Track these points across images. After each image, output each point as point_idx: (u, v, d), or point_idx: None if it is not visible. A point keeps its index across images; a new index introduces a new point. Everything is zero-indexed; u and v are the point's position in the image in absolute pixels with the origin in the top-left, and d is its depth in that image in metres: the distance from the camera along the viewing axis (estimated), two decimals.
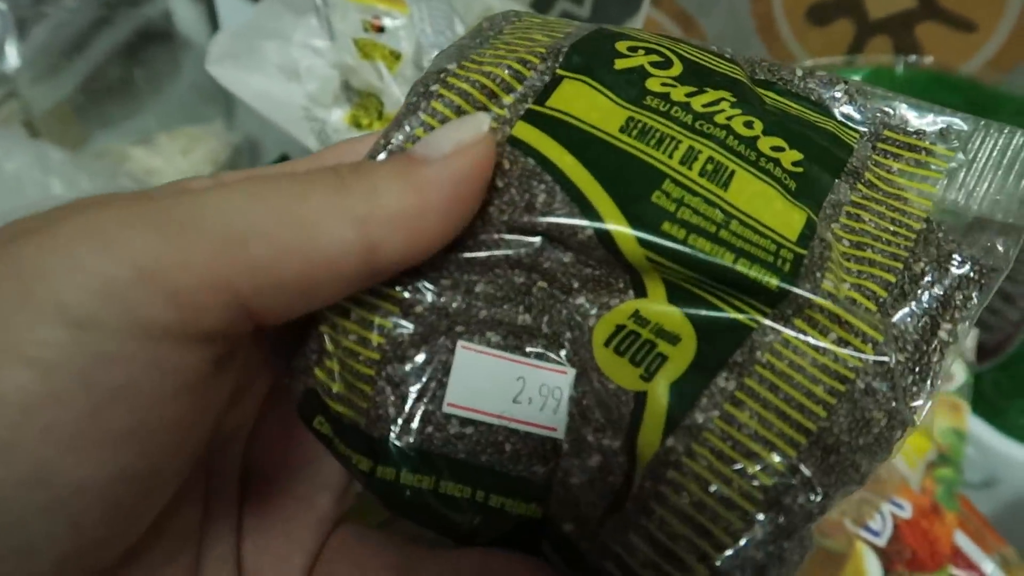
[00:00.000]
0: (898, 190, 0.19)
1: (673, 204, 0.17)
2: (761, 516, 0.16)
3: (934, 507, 0.42)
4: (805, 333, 0.17)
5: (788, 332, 0.17)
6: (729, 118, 0.18)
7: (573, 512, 0.18)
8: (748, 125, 0.18)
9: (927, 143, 0.19)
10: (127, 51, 0.56)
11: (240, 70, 0.45)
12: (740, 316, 0.17)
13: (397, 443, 0.17)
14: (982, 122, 0.19)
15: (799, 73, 0.20)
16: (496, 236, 0.17)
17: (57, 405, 0.12)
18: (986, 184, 0.18)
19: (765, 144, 0.18)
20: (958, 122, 0.19)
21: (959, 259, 0.18)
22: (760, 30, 0.50)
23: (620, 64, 0.19)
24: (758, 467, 0.16)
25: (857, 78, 0.50)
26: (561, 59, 0.19)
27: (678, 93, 0.18)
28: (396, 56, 0.44)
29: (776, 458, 0.16)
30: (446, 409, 0.18)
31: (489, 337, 0.18)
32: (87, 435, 0.13)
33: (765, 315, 0.17)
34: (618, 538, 0.17)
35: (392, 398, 0.17)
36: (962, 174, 0.18)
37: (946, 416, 0.44)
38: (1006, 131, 0.19)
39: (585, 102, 0.18)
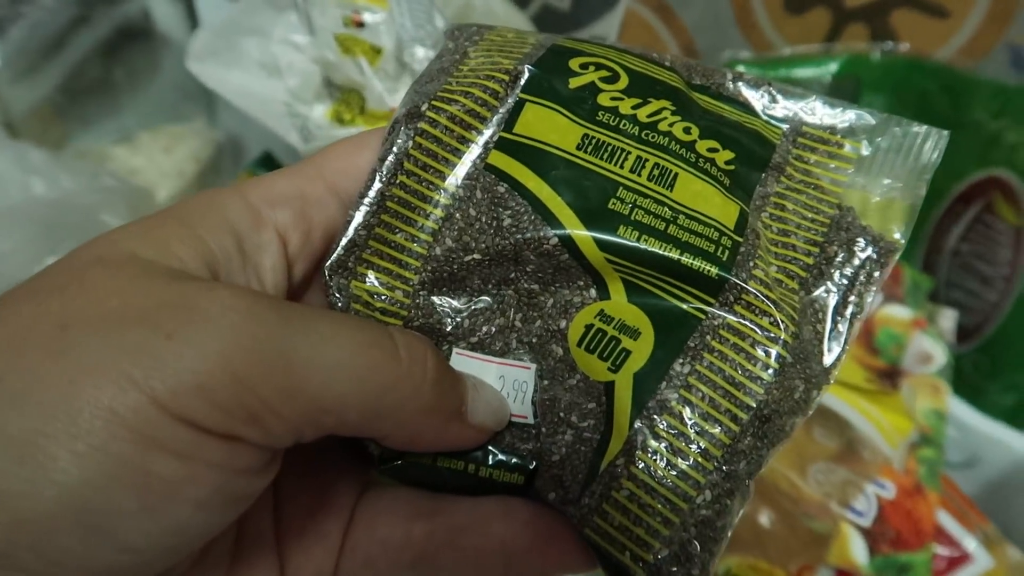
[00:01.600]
0: (815, 180, 0.21)
1: (627, 208, 0.19)
2: (711, 482, 0.19)
3: (917, 487, 0.42)
4: (744, 317, 0.19)
5: (730, 318, 0.19)
6: (671, 125, 0.20)
7: (556, 484, 0.20)
8: (687, 131, 0.20)
9: (838, 137, 0.21)
10: (106, 50, 0.56)
11: (221, 67, 0.45)
12: (689, 307, 0.19)
13: None
14: (885, 116, 0.21)
15: (730, 77, 0.22)
16: (471, 258, 0.20)
17: (194, 484, 0.15)
18: (887, 171, 0.21)
19: (702, 146, 0.20)
20: (867, 116, 0.21)
21: (863, 242, 0.20)
22: (739, 20, 0.50)
23: (574, 83, 0.21)
24: (709, 441, 0.19)
25: (834, 66, 0.51)
26: (522, 84, 0.21)
27: (625, 106, 0.20)
28: (377, 51, 0.44)
29: (723, 433, 0.19)
30: None
31: (473, 341, 0.20)
32: (210, 503, 0.15)
33: (711, 304, 0.19)
34: (595, 507, 0.19)
35: None
36: (868, 162, 0.21)
37: (927, 398, 0.45)
38: (905, 123, 0.21)
39: (546, 125, 0.20)
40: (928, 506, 0.42)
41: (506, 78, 0.21)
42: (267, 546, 0.19)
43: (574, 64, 0.21)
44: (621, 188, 0.19)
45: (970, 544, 0.41)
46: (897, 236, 0.20)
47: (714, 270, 0.19)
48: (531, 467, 0.20)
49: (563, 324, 0.20)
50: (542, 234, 0.19)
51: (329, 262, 0.20)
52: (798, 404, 0.19)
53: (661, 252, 0.19)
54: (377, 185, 0.20)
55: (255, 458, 0.15)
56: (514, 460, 0.20)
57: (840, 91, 0.46)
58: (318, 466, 0.21)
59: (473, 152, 0.20)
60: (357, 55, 0.44)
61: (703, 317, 0.19)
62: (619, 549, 0.19)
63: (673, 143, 0.20)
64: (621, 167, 0.20)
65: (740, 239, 0.19)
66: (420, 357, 0.17)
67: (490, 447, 0.20)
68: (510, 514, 0.20)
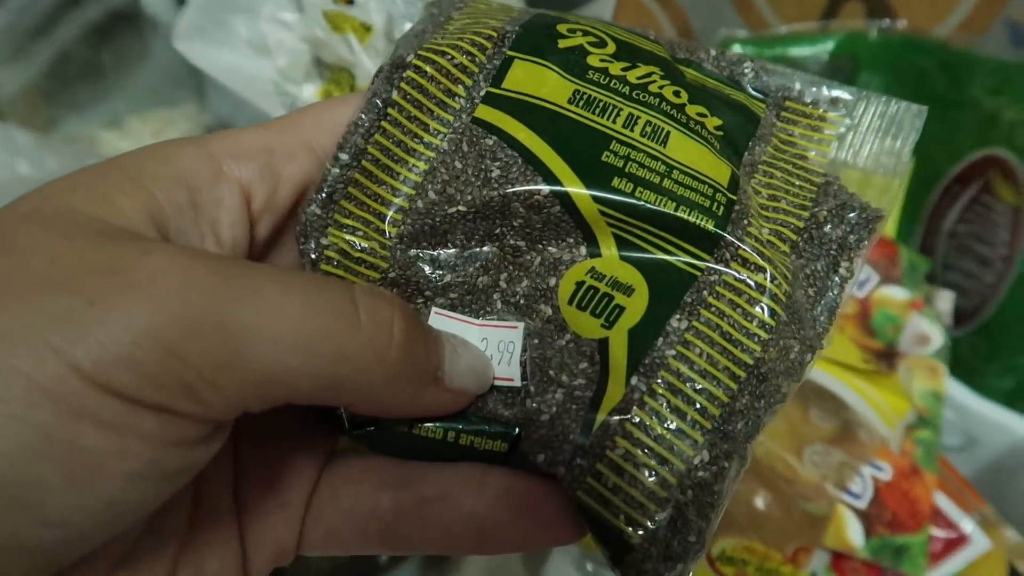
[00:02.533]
0: (800, 151, 0.21)
1: (621, 160, 0.19)
2: (709, 441, 0.18)
3: (914, 469, 0.42)
4: (740, 273, 0.19)
5: (727, 273, 0.19)
6: (660, 87, 0.20)
7: (545, 445, 0.19)
8: (676, 94, 0.20)
9: (820, 111, 0.22)
10: (95, 33, 0.55)
11: (208, 46, 0.44)
12: (684, 263, 0.19)
13: None
14: (864, 92, 0.22)
15: (713, 53, 0.23)
16: (456, 210, 0.19)
17: (126, 456, 0.14)
18: (868, 145, 0.21)
19: (692, 110, 0.20)
20: (845, 93, 0.22)
21: (852, 207, 0.20)
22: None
23: (563, 44, 0.20)
24: (707, 399, 0.18)
25: (831, 44, 0.50)
26: (510, 42, 0.20)
27: (615, 68, 0.20)
28: (367, 28, 0.43)
29: (720, 391, 0.18)
30: None
31: (453, 299, 0.20)
32: (144, 475, 0.14)
33: (707, 260, 0.19)
34: (589, 468, 0.18)
35: None
36: (849, 137, 0.21)
37: (924, 379, 0.44)
38: (883, 99, 0.21)
39: (536, 80, 0.20)
40: (925, 488, 0.41)
41: (494, 35, 0.20)
42: (226, 515, 0.18)
43: (562, 28, 0.21)
44: (614, 142, 0.19)
45: (967, 526, 0.41)
46: (884, 201, 0.21)
47: (710, 224, 0.19)
48: (515, 432, 0.19)
49: (552, 282, 0.20)
50: (533, 185, 0.19)
51: (303, 214, 0.19)
52: (792, 366, 0.19)
53: (656, 206, 0.19)
54: (358, 134, 0.19)
55: (193, 430, 0.14)
56: (497, 427, 0.19)
57: (837, 70, 0.46)
58: (281, 432, 0.20)
59: (460, 105, 0.20)
60: (347, 32, 0.43)
61: (699, 273, 0.19)
62: (613, 513, 0.18)
63: (664, 103, 0.20)
64: (613, 122, 0.19)
65: (734, 197, 0.19)
66: (385, 320, 0.16)
67: (471, 413, 0.19)
68: (484, 486, 0.19)
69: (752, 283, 0.19)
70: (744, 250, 0.19)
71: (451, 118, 0.20)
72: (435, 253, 0.20)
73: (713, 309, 0.19)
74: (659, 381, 0.18)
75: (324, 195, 0.19)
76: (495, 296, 0.20)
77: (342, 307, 0.16)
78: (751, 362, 0.18)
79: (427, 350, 0.17)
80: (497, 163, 0.19)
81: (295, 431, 0.20)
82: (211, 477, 0.18)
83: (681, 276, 0.19)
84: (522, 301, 0.20)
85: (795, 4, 0.48)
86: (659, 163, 0.19)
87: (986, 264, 0.48)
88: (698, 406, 0.18)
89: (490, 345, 0.20)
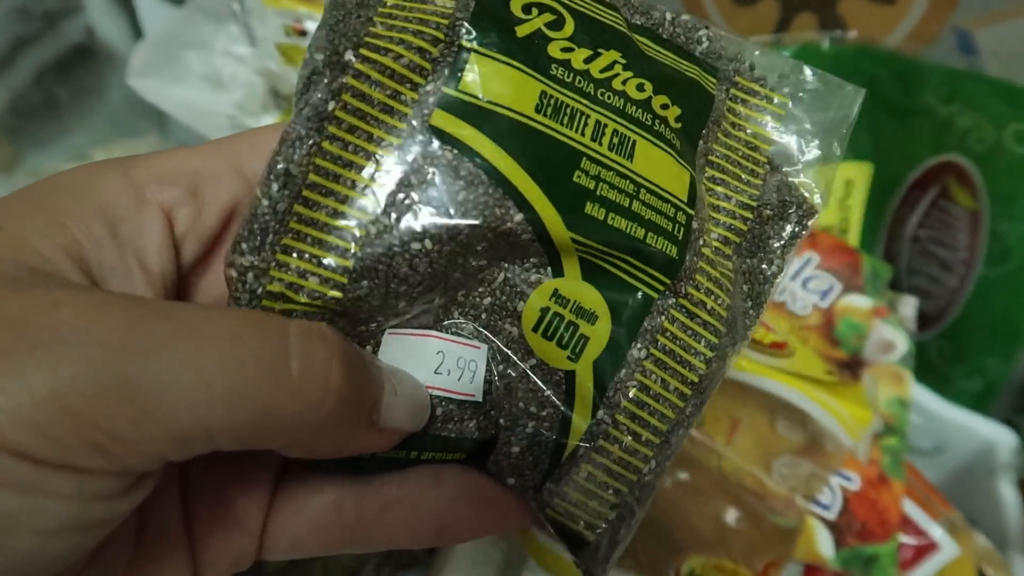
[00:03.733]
0: (747, 136, 0.21)
1: (592, 182, 0.18)
2: (657, 454, 0.19)
3: (882, 477, 0.42)
4: (692, 297, 0.19)
5: (680, 298, 0.19)
6: (624, 82, 0.19)
7: (517, 472, 0.20)
8: (640, 88, 0.19)
9: (767, 89, 0.21)
10: (52, 70, 0.55)
11: (163, 82, 0.44)
12: (644, 286, 0.19)
13: None
14: (808, 68, 0.21)
15: (668, 17, 0.21)
16: (420, 246, 0.17)
17: (37, 516, 0.13)
18: (807, 124, 0.21)
19: (656, 103, 0.19)
20: (794, 68, 0.21)
21: (792, 205, 0.21)
22: (689, 12, 0.50)
23: (521, 30, 0.19)
24: (659, 420, 0.19)
25: (787, 55, 0.50)
26: (463, 30, 0.18)
27: (578, 59, 0.19)
28: None
29: (670, 410, 0.19)
30: None
31: (409, 319, 0.18)
32: (60, 532, 0.14)
33: (665, 284, 0.19)
34: (556, 491, 0.20)
35: None
36: (790, 116, 0.21)
37: (890, 386, 0.44)
38: (825, 76, 0.21)
39: (498, 81, 0.18)
40: (893, 496, 0.41)
41: (444, 22, 0.18)
42: (174, 537, 0.18)
43: (515, 7, 0.19)
44: (585, 159, 0.18)
45: (936, 532, 0.41)
46: (817, 200, 0.21)
47: (673, 251, 0.19)
48: (473, 437, 0.19)
49: (519, 305, 0.19)
50: (505, 212, 0.17)
51: (230, 248, 0.17)
52: (724, 368, 0.20)
53: (627, 232, 0.18)
54: (293, 159, 0.17)
55: (111, 485, 0.14)
56: (455, 436, 0.19)
57: None
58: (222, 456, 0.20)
59: (411, 110, 0.17)
60: (300, 64, 0.43)
61: (656, 296, 0.19)
62: (573, 520, 0.20)
63: (628, 105, 0.19)
64: (582, 134, 0.18)
65: (692, 211, 0.19)
66: (320, 369, 0.15)
67: (432, 431, 0.19)
68: (441, 483, 0.19)
69: (704, 305, 0.19)
70: (698, 275, 0.19)
71: (403, 126, 0.17)
72: (392, 286, 0.18)
73: (668, 334, 0.19)
74: (621, 412, 0.19)
75: (257, 238, 0.17)
76: (453, 309, 0.19)
77: (269, 357, 0.15)
78: (697, 380, 0.19)
79: (364, 395, 0.17)
80: (461, 182, 0.17)
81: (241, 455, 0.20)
82: (156, 501, 0.18)
83: (641, 300, 0.19)
84: (484, 315, 0.19)
85: (749, 17, 0.48)
86: (628, 182, 0.18)
87: (948, 268, 0.48)
88: (652, 427, 0.19)
89: (448, 358, 0.19)
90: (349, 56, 0.17)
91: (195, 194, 0.18)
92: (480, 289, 0.19)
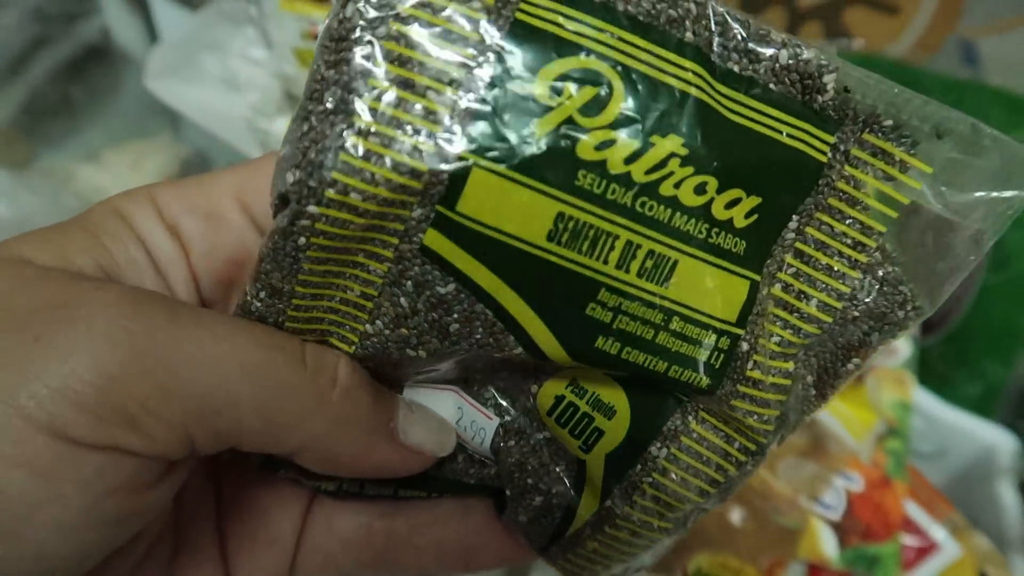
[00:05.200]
0: (859, 214, 0.16)
1: (609, 314, 0.16)
2: (670, 535, 0.19)
3: (884, 479, 0.43)
4: (725, 418, 0.17)
5: (712, 418, 0.18)
6: (677, 185, 0.15)
7: (524, 534, 0.20)
8: (700, 190, 0.15)
9: (903, 152, 0.16)
10: (68, 69, 0.56)
11: (179, 84, 0.45)
12: (672, 395, 0.18)
13: None
14: (975, 124, 0.16)
15: (783, 60, 0.16)
16: (415, 354, 0.17)
17: (58, 504, 0.14)
18: (956, 198, 0.16)
19: (719, 205, 0.15)
20: (952, 119, 0.16)
21: (890, 307, 0.17)
22: None
23: (542, 127, 0.14)
24: (674, 516, 0.18)
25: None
26: (467, 132, 0.14)
27: (616, 158, 0.15)
28: None
29: (688, 506, 0.18)
30: None
31: (428, 376, 0.19)
32: (80, 525, 0.14)
33: (693, 400, 0.18)
34: (558, 555, 0.20)
35: None
36: (932, 184, 0.16)
37: (892, 390, 0.45)
38: (1003, 142, 0.16)
39: (502, 203, 0.14)
40: (895, 498, 0.42)
41: (447, 114, 0.14)
42: (208, 554, 0.19)
43: (545, 79, 0.14)
44: (604, 290, 0.15)
45: (938, 533, 0.42)
46: (925, 305, 0.17)
47: (705, 381, 0.17)
48: (493, 484, 0.20)
49: (533, 388, 0.18)
50: (504, 346, 0.16)
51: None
52: (764, 458, 0.18)
53: (646, 366, 0.16)
54: (271, 283, 0.16)
55: (140, 470, 0.14)
56: (474, 483, 0.20)
57: None
58: (256, 484, 0.20)
59: (403, 227, 0.15)
60: None
61: (685, 400, 0.18)
62: (580, 570, 0.20)
63: (677, 216, 0.15)
64: (605, 261, 0.15)
65: (741, 331, 0.16)
66: (329, 365, 0.16)
67: (450, 475, 0.20)
68: (468, 511, 0.20)
69: (736, 429, 0.17)
70: (736, 399, 0.17)
71: (395, 240, 0.15)
72: (391, 368, 0.18)
73: (695, 436, 0.17)
74: (633, 503, 0.18)
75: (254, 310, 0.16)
76: (475, 376, 0.19)
77: (288, 345, 0.16)
78: (723, 480, 0.18)
79: (374, 399, 0.17)
80: (455, 316, 0.16)
81: (273, 482, 0.20)
82: (191, 518, 0.19)
83: (665, 404, 0.18)
84: (502, 384, 0.19)
85: None
86: (656, 312, 0.16)
87: None
88: (666, 517, 0.18)
89: (465, 417, 0.19)
90: (320, 184, 0.14)
91: (209, 233, 0.18)
92: (497, 364, 0.18)
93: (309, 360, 0.16)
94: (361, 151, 0.14)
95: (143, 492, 0.15)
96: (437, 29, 0.14)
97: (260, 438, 0.16)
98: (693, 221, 0.15)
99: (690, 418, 0.17)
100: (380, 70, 0.14)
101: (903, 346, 0.46)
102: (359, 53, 0.14)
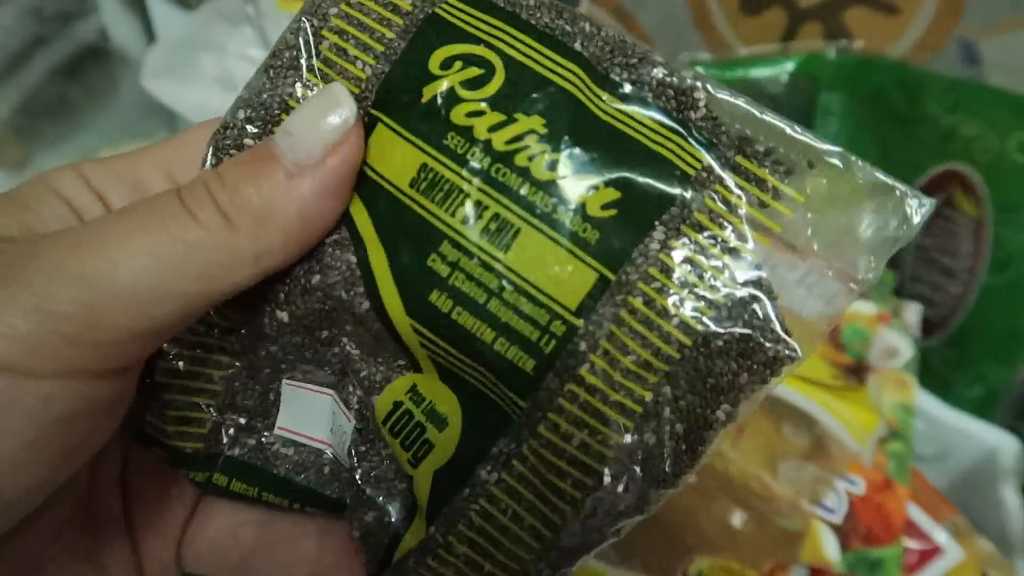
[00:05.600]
0: (728, 240, 0.16)
1: (447, 268, 0.16)
2: None
3: (886, 482, 0.42)
4: (557, 428, 0.16)
5: (544, 426, 0.16)
6: (531, 158, 0.16)
7: (361, 552, 0.19)
8: (551, 166, 0.16)
9: (775, 180, 0.16)
10: (65, 70, 0.56)
11: (176, 83, 0.45)
12: (503, 404, 0.16)
13: (229, 455, 0.19)
14: (850, 157, 0.16)
15: (659, 76, 0.17)
16: (280, 318, 0.18)
17: (7, 439, 0.14)
18: (829, 234, 0.16)
19: (572, 185, 0.16)
20: (830, 155, 0.16)
21: (757, 342, 0.15)
22: (696, 21, 0.50)
23: (428, 92, 0.17)
24: (505, 556, 0.16)
25: (791, 65, 0.51)
26: (374, 95, 0.17)
27: (482, 126, 0.16)
28: None
29: (522, 550, 0.16)
30: (276, 432, 0.19)
31: (305, 376, 0.19)
32: (29, 461, 0.15)
33: (523, 406, 0.16)
34: None
35: (228, 422, 0.20)
36: (802, 219, 0.16)
37: (894, 392, 0.45)
38: (877, 175, 0.15)
39: (387, 151, 0.17)
40: (897, 500, 0.42)
41: (356, 91, 0.17)
42: (119, 534, 0.20)
43: (437, 59, 0.17)
44: (446, 242, 0.16)
45: (940, 536, 0.41)
46: (794, 347, 0.15)
47: (530, 364, 0.16)
48: (333, 497, 0.20)
49: (374, 397, 0.18)
50: (352, 303, 0.17)
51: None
52: (615, 532, 0.16)
53: (473, 331, 0.16)
54: None
55: (90, 391, 0.15)
56: (337, 502, 0.20)
57: (797, 90, 0.47)
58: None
59: None
60: None
61: (516, 417, 0.16)
62: None
63: (526, 185, 0.16)
64: (453, 214, 0.16)
65: (579, 323, 0.16)
66: (201, 193, 0.16)
67: (314, 485, 0.20)
68: (326, 533, 0.21)
69: (570, 439, 0.16)
70: (575, 398, 0.16)
71: None
72: (281, 336, 0.19)
73: (528, 464, 0.16)
74: (457, 536, 0.17)
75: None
76: (347, 381, 0.19)
77: (169, 208, 0.16)
78: (560, 522, 0.16)
79: (254, 150, 0.17)
80: (324, 263, 0.17)
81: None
82: (102, 502, 0.20)
83: (499, 420, 0.16)
84: (367, 384, 0.19)
85: (755, 26, 0.49)
86: (492, 276, 0.16)
87: (951, 275, 0.48)
88: (496, 561, 0.16)
89: (336, 421, 0.19)
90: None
91: (136, 199, 0.19)
92: (353, 380, 0.18)
93: (187, 200, 0.16)
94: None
95: (93, 417, 0.16)
96: (373, 15, 0.18)
97: (207, 293, 0.16)
98: (540, 194, 0.16)
99: (524, 444, 0.16)
100: (325, 41, 0.17)
101: (904, 348, 0.46)
102: (309, 27, 0.18)
